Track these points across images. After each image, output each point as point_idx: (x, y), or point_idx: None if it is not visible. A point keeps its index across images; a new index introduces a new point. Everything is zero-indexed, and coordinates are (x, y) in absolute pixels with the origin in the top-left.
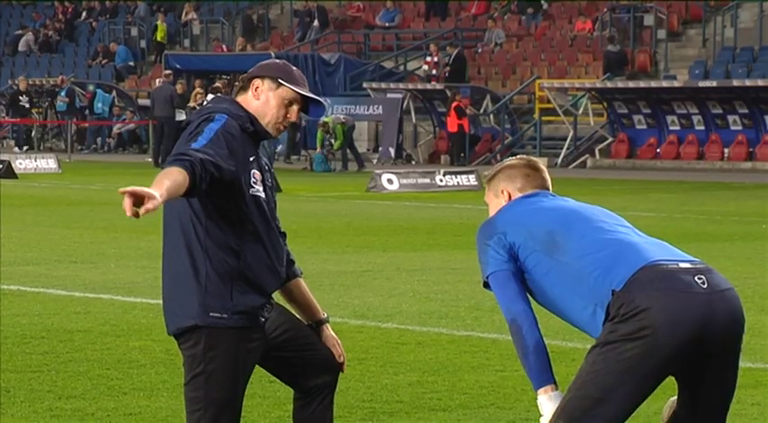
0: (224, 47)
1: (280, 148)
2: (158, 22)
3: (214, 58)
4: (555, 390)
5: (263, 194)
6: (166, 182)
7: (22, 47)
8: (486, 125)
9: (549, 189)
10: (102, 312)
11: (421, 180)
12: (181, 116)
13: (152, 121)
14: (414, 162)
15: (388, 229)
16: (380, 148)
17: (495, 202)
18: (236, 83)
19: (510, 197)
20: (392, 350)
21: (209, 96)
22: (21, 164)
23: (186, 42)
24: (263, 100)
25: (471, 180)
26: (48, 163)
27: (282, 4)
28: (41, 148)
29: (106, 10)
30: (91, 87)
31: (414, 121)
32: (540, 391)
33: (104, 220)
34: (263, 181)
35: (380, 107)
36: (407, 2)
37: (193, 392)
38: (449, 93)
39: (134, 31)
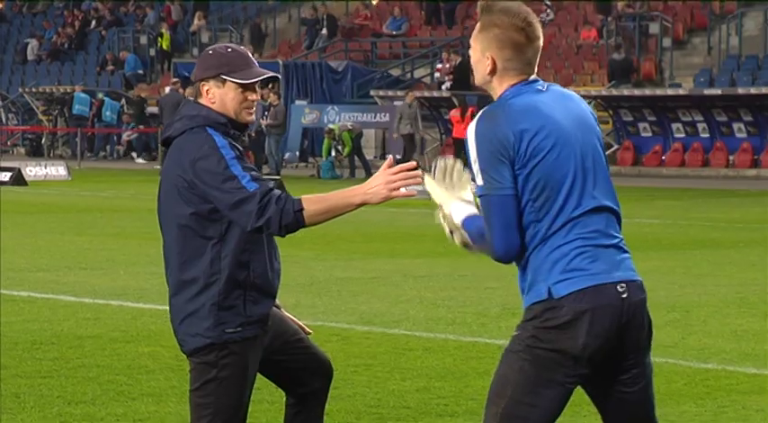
0: None
1: (288, 155)
2: (163, 31)
3: None
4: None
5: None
6: (337, 195)
7: (29, 55)
8: None
9: None
10: (112, 318)
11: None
12: None
13: (160, 128)
14: (421, 169)
15: (396, 235)
16: (387, 156)
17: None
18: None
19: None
20: (399, 356)
21: None
22: (31, 171)
23: (195, 50)
24: (218, 101)
25: None
26: (58, 170)
27: (290, 13)
28: (51, 155)
29: (116, 19)
30: (100, 95)
31: (420, 128)
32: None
33: (114, 227)
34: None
35: (387, 115)
36: None
37: (203, 398)
38: (456, 100)
39: (143, 40)
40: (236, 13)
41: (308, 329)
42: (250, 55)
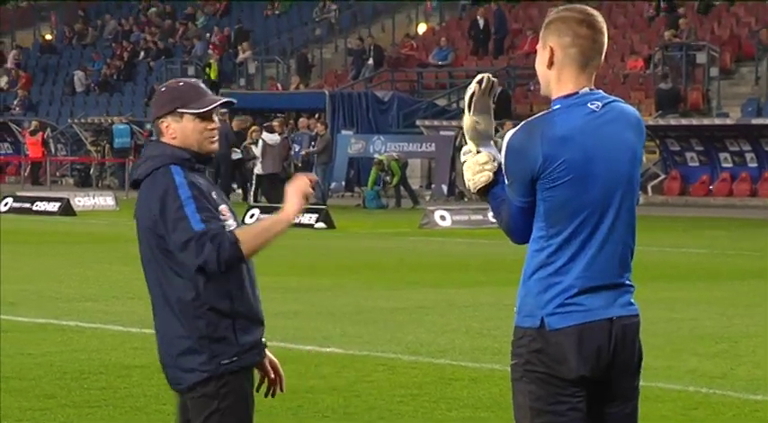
0: (279, 85)
1: (334, 184)
2: (211, 61)
3: (269, 97)
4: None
5: (232, 223)
6: (268, 222)
7: (78, 86)
8: None
9: None
10: (155, 348)
11: (474, 217)
12: (236, 154)
13: None
14: (466, 199)
15: (441, 265)
16: (433, 185)
17: None
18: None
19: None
20: (445, 386)
21: (265, 134)
22: (79, 201)
23: (242, 81)
24: (180, 134)
25: None
26: (105, 200)
27: (337, 43)
28: (99, 185)
29: (164, 50)
30: (148, 126)
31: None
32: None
33: None
34: (230, 210)
35: (433, 144)
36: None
37: None
38: (501, 129)
39: (191, 70)
40: (283, 44)
41: (282, 387)
42: (202, 84)
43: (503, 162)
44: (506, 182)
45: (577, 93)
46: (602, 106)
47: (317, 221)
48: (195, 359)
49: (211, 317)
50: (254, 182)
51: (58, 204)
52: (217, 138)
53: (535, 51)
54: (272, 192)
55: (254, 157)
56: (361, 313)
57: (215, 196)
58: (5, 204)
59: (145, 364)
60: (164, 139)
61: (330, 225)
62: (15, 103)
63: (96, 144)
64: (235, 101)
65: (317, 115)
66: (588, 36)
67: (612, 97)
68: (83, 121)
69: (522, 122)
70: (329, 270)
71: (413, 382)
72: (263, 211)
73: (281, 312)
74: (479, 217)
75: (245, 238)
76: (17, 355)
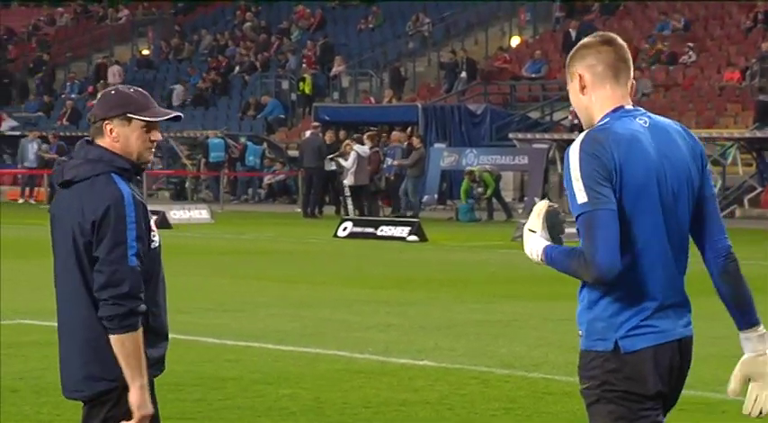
0: (372, 99)
1: (426, 198)
2: (305, 76)
3: (362, 110)
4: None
5: (157, 239)
6: (142, 365)
7: (174, 100)
8: None
9: None
10: (253, 360)
11: (568, 229)
12: (330, 166)
13: (301, 171)
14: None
15: (534, 278)
16: (526, 198)
17: None
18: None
19: None
20: (539, 400)
21: (357, 146)
22: (175, 214)
23: (336, 94)
24: (123, 140)
25: None
26: (200, 214)
27: (430, 57)
28: (194, 199)
29: (259, 64)
30: (242, 140)
31: (559, 170)
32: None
33: (255, 270)
34: (154, 221)
35: (526, 157)
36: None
37: None
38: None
39: (285, 85)
40: (376, 58)
41: None
42: (149, 95)
43: (576, 174)
44: (588, 193)
45: (623, 107)
46: (649, 122)
47: (409, 234)
48: (103, 367)
49: None
50: (347, 193)
51: (154, 217)
52: (153, 149)
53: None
54: (360, 203)
55: (342, 170)
56: (453, 326)
57: (148, 211)
58: None
59: (239, 377)
60: (102, 142)
61: (422, 238)
62: None
63: (191, 158)
64: (182, 115)
65: (409, 128)
66: (610, 51)
67: (654, 115)
68: (178, 134)
69: (583, 134)
70: (422, 283)
71: (506, 396)
72: (356, 224)
73: (374, 325)
74: (572, 230)
75: (137, 339)
76: None
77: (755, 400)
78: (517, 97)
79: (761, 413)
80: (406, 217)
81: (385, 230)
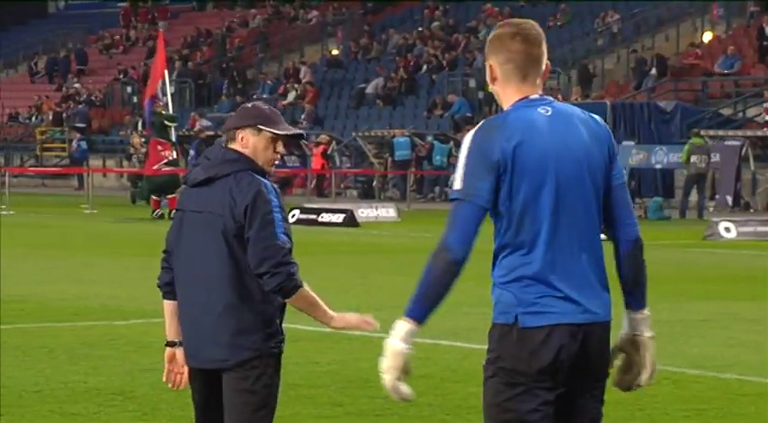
0: (560, 96)
1: None
2: None
3: None
4: (414, 326)
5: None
6: (323, 308)
7: (369, 89)
8: None
9: None
10: (444, 358)
11: (760, 228)
12: None
13: None
14: (752, 210)
15: (726, 277)
16: (717, 196)
17: None
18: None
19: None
20: (731, 401)
21: None
22: (363, 213)
23: None
24: (251, 147)
25: None
26: (388, 212)
27: (619, 54)
28: (382, 197)
29: (446, 63)
30: (429, 138)
31: (752, 168)
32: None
33: None
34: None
35: (717, 155)
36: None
37: (266, 389)
38: None
39: (472, 83)
40: (565, 55)
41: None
42: (281, 115)
43: (462, 162)
44: (464, 182)
45: (527, 97)
46: (552, 111)
47: None
48: (246, 335)
49: (267, 305)
50: None
51: (342, 216)
52: (275, 164)
53: None
54: None
55: None
56: None
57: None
58: (293, 216)
59: (429, 374)
60: (235, 146)
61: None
62: (302, 116)
63: (379, 156)
64: (305, 134)
65: None
66: (521, 51)
67: (561, 104)
68: (366, 133)
69: (480, 123)
70: (609, 282)
71: (698, 397)
72: None
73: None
74: (766, 229)
75: (306, 292)
76: (306, 364)
77: (627, 373)
78: (708, 94)
79: (631, 388)
80: None
81: None
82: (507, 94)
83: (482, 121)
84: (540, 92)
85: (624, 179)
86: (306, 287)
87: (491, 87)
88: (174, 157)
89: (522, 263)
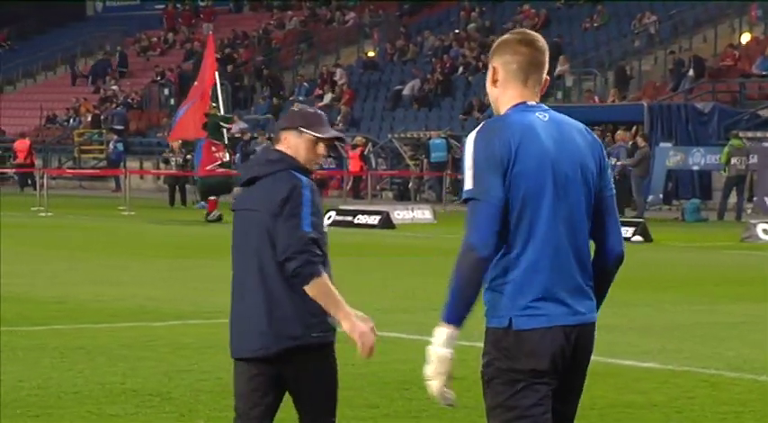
0: (596, 98)
1: (651, 197)
2: None
3: (587, 110)
4: (453, 330)
5: (326, 228)
6: (339, 301)
7: (405, 91)
8: None
9: None
10: (478, 360)
11: None
12: None
13: None
14: None
15: (763, 279)
16: (755, 198)
17: None
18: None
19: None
20: None
21: None
22: (398, 214)
23: (559, 94)
24: (294, 148)
25: None
26: (423, 214)
27: (656, 55)
28: (417, 199)
29: (482, 65)
30: (465, 140)
31: None
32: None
33: None
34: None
35: (755, 156)
36: None
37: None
38: None
39: None
40: (601, 57)
41: None
42: (326, 119)
43: (469, 163)
44: (475, 181)
45: (525, 102)
46: (548, 117)
47: (633, 235)
48: (300, 321)
49: (309, 297)
50: None
51: (378, 217)
52: (319, 164)
53: None
54: None
55: None
56: (679, 328)
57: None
58: (329, 218)
59: (463, 376)
60: (280, 147)
61: (647, 238)
62: (338, 118)
63: (415, 158)
64: (344, 137)
65: (634, 128)
66: (526, 53)
67: (556, 112)
68: (402, 135)
69: (481, 124)
70: (646, 284)
71: (736, 400)
72: None
73: (598, 326)
74: None
75: (323, 281)
76: (342, 366)
77: None
78: (746, 95)
79: None
80: (630, 217)
81: None
82: (506, 97)
83: (482, 123)
84: (538, 100)
85: (614, 192)
86: (325, 278)
87: (489, 90)
88: (228, 158)
89: (515, 264)
